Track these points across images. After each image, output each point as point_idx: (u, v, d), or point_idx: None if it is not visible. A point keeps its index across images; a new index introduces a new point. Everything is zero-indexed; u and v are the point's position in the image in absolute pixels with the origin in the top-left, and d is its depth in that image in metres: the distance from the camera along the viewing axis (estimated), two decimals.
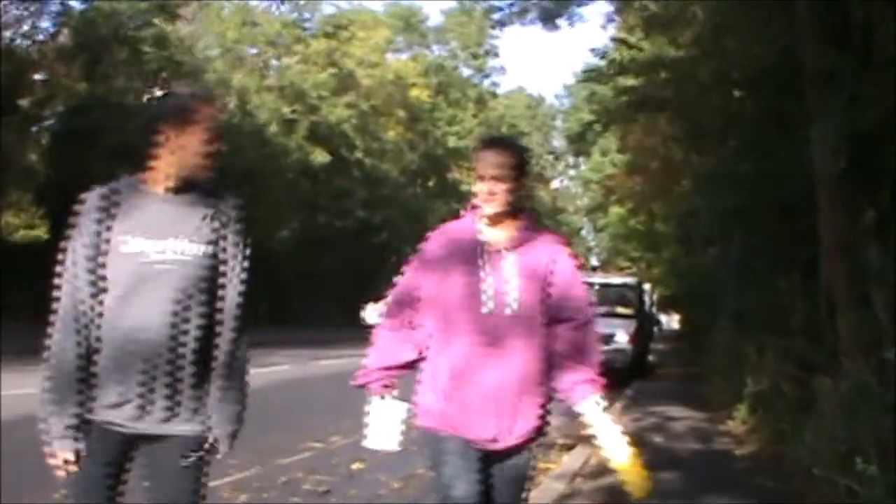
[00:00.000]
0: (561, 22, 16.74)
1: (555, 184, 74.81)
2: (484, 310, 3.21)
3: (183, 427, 2.71)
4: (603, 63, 14.93)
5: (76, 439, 2.65)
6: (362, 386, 3.36)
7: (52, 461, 2.68)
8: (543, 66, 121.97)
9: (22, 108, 21.62)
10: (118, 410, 2.68)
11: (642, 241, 31.22)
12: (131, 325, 2.61)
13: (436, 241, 3.38)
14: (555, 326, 3.25)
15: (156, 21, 24.74)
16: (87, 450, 2.69)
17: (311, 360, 19.38)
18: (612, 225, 37.48)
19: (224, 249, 2.75)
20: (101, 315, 2.67)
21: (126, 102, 22.83)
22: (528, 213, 3.43)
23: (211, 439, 2.75)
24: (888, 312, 6.49)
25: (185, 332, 2.66)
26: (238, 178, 28.40)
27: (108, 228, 2.69)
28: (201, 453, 2.78)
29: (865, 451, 5.44)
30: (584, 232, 72.87)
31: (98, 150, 21.66)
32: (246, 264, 2.80)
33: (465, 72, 57.09)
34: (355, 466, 7.11)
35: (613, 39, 15.64)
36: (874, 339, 6.77)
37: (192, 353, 2.68)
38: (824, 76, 7.00)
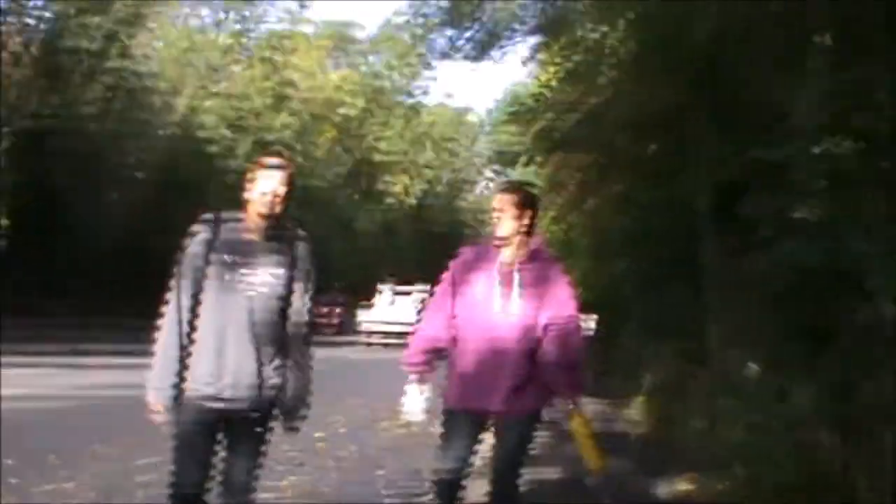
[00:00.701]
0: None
1: (478, 191, 76.99)
2: (495, 311, 4.21)
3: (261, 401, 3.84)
4: (527, 103, 17.10)
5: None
6: (410, 367, 4.43)
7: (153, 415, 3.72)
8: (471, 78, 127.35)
9: None
10: (211, 387, 3.72)
11: (561, 250, 33.16)
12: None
13: (465, 254, 4.47)
14: (548, 328, 4.22)
15: (121, 36, 26.02)
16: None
17: None
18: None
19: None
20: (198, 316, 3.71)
21: (90, 112, 24.14)
22: (537, 239, 4.44)
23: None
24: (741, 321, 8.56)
25: None
26: (183, 184, 29.82)
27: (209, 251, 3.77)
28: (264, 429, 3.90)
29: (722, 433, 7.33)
30: None
31: (60, 157, 22.87)
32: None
33: (397, 83, 58.70)
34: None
35: (541, 85, 17.75)
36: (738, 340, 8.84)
37: None
38: (694, 138, 9.14)
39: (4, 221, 23.28)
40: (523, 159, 18.95)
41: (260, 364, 3.76)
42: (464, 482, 4.38)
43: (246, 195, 3.80)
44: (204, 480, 3.79)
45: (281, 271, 3.81)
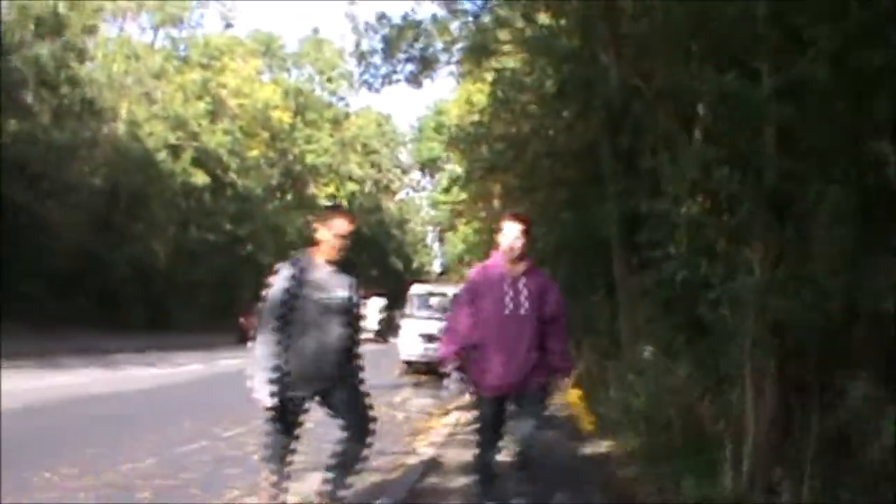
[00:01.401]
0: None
1: (400, 195, 78.76)
2: (506, 312, 5.48)
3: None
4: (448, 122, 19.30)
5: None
6: (446, 358, 5.72)
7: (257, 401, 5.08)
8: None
9: None
10: (310, 385, 5.25)
11: (485, 257, 35.48)
12: None
13: (478, 272, 5.86)
14: (543, 324, 5.48)
15: (71, 63, 27.49)
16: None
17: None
18: (459, 240, 41.28)
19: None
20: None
21: (50, 138, 25.62)
22: (530, 258, 5.69)
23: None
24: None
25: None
26: (127, 199, 31.18)
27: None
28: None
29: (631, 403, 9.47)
30: (428, 240, 77.27)
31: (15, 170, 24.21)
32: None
33: (321, 94, 60.22)
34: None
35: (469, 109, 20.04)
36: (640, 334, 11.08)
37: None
38: (608, 175, 11.44)
39: None
40: (461, 179, 21.14)
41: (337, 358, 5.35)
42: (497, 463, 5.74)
43: (318, 237, 5.34)
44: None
45: (347, 294, 5.35)
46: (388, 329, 42.70)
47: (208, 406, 13.05)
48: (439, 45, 21.39)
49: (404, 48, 20.83)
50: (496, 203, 24.80)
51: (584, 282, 14.77)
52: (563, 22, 12.86)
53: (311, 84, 59.89)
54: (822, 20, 5.47)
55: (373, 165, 65.24)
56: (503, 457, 5.85)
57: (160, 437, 9.37)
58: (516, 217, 5.85)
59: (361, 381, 5.51)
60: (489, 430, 5.71)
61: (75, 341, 25.21)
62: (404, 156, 71.34)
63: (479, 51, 19.12)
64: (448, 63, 21.86)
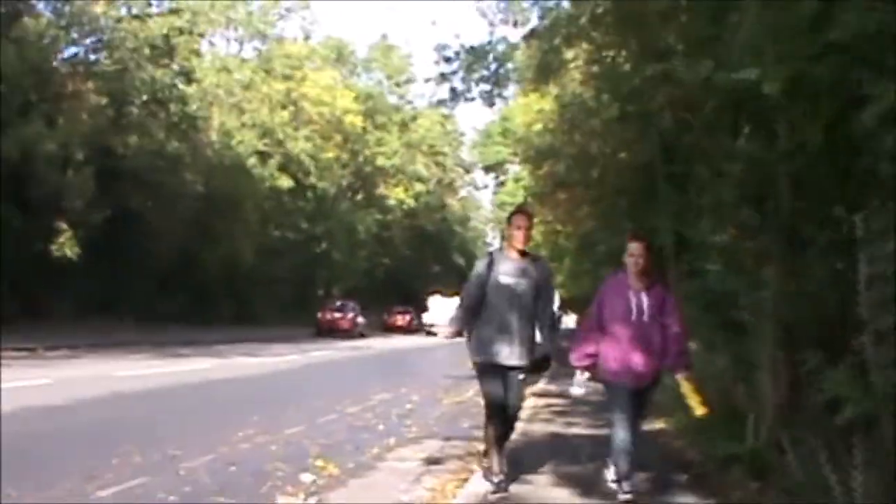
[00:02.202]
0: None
1: (462, 192, 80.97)
2: (633, 318, 6.22)
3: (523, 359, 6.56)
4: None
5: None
6: (577, 365, 6.54)
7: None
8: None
9: None
10: (499, 356, 6.46)
11: (549, 253, 37.35)
12: None
13: (608, 282, 6.56)
14: (668, 327, 6.21)
15: (180, 85, 30.53)
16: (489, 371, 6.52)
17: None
18: None
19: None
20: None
21: (163, 151, 28.84)
22: (656, 271, 6.57)
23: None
24: None
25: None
26: (220, 203, 34.00)
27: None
28: (523, 374, 6.59)
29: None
30: (488, 238, 79.35)
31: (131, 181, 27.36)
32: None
33: (391, 98, 62.71)
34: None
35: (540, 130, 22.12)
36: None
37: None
38: (661, 196, 13.40)
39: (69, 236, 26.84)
40: (531, 188, 23.24)
41: (526, 336, 6.54)
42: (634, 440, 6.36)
43: (508, 233, 6.78)
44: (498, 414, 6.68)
45: (528, 281, 6.54)
46: None
47: (322, 389, 15.48)
48: (510, 65, 23.74)
49: (480, 71, 23.21)
50: (560, 201, 26.73)
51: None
52: (623, 57, 14.74)
53: (381, 88, 62.25)
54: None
55: (437, 165, 67.33)
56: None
57: (304, 409, 11.65)
58: (638, 235, 6.81)
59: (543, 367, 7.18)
60: (621, 417, 6.36)
61: (177, 334, 28.09)
62: (466, 154, 73.38)
63: (545, 70, 21.16)
64: (517, 82, 24.15)
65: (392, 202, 58.43)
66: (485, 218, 77.97)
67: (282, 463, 7.66)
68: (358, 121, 51.51)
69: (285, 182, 39.90)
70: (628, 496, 6.19)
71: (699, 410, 6.47)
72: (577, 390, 6.91)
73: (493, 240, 74.17)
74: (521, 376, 6.63)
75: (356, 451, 8.79)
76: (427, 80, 26.64)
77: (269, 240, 41.05)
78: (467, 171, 76.83)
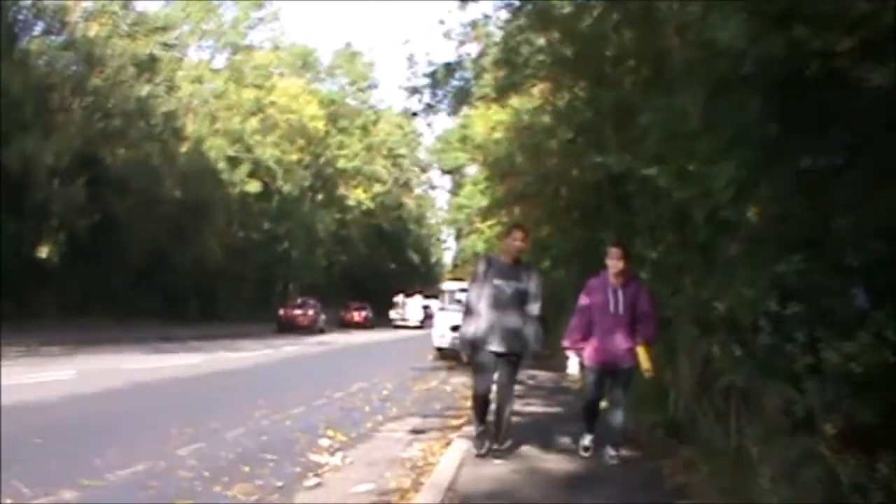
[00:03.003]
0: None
1: (418, 191, 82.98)
2: (611, 310, 7.67)
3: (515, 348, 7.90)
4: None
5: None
6: (568, 348, 8.17)
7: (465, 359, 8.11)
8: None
9: None
10: (494, 345, 7.71)
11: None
12: None
13: (592, 282, 7.93)
14: (640, 316, 7.63)
15: (160, 97, 32.34)
16: (484, 358, 7.81)
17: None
18: (480, 240, 45.06)
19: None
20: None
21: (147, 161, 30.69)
22: (632, 271, 8.03)
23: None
24: None
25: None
26: (193, 206, 35.69)
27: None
28: (516, 359, 7.91)
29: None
30: (443, 236, 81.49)
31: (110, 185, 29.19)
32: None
33: (353, 103, 64.58)
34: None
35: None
36: None
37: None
38: (608, 212, 15.56)
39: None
40: (497, 202, 25.47)
41: (514, 329, 7.81)
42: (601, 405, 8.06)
43: (505, 243, 8.13)
44: (490, 385, 7.97)
45: (520, 283, 7.82)
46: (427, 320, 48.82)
47: (304, 379, 17.44)
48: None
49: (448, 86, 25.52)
50: (516, 211, 28.93)
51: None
52: (579, 98, 16.79)
53: (344, 93, 64.07)
54: None
55: (395, 166, 69.22)
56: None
57: (297, 396, 13.55)
58: (618, 244, 8.23)
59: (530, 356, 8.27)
60: (594, 391, 8.08)
61: (153, 330, 29.77)
62: (422, 154, 75.33)
63: (507, 89, 23.24)
64: (480, 98, 26.34)
65: (351, 202, 60.19)
66: (440, 217, 79.92)
67: (300, 433, 9.63)
68: (321, 125, 53.09)
69: (254, 186, 41.62)
70: (607, 454, 7.90)
71: (646, 366, 7.74)
72: (571, 369, 8.78)
73: (448, 237, 76.18)
74: (514, 359, 7.97)
75: (353, 426, 10.73)
76: (407, 91, 28.94)
77: (234, 240, 42.66)
78: (423, 171, 78.79)
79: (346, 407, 12.83)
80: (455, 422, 11.02)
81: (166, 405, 12.21)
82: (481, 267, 8.07)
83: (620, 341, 7.69)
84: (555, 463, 7.90)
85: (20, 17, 28.02)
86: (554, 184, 19.51)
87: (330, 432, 9.71)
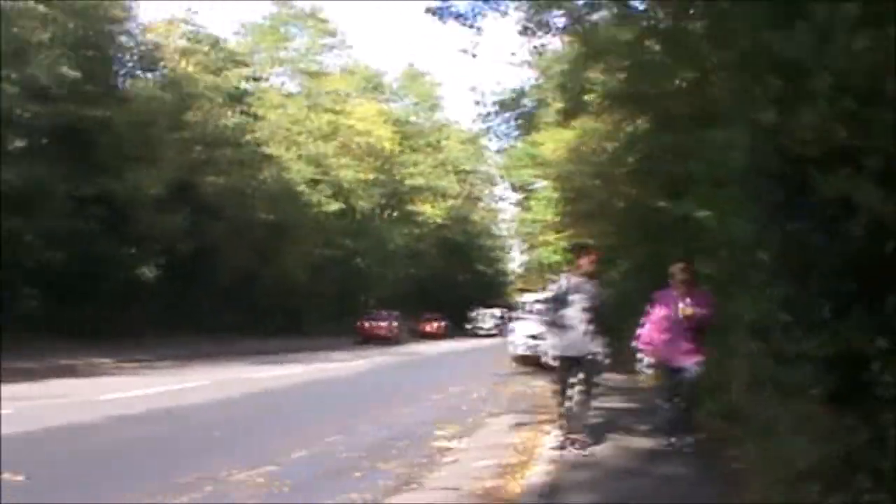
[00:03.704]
0: None
1: (485, 204, 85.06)
2: (674, 318, 8.77)
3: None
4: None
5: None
6: (639, 350, 9.38)
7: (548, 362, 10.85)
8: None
9: None
10: (571, 351, 9.08)
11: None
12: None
13: (658, 294, 9.14)
14: (700, 322, 8.73)
15: (248, 126, 35.22)
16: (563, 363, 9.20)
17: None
18: (550, 251, 47.07)
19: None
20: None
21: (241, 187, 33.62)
22: (697, 284, 9.23)
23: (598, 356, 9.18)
24: None
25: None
26: (277, 228, 38.28)
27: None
28: (594, 363, 9.15)
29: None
30: (511, 248, 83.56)
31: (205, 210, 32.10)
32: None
33: (421, 121, 67.18)
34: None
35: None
36: None
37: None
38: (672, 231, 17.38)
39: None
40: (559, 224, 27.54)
41: (587, 336, 8.94)
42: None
43: (577, 263, 9.33)
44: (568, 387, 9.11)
45: (591, 299, 8.94)
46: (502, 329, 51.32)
47: (402, 385, 19.57)
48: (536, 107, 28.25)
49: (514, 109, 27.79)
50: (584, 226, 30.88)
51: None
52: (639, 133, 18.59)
53: (412, 112, 66.61)
54: None
55: (462, 180, 71.40)
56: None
57: (401, 398, 15.65)
58: (681, 260, 9.44)
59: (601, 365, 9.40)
60: (666, 390, 9.38)
61: (245, 345, 32.27)
62: (489, 168, 77.34)
63: (572, 109, 25.14)
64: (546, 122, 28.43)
65: (422, 217, 62.44)
66: (508, 229, 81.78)
67: (417, 427, 11.70)
68: (392, 144, 55.46)
69: (334, 206, 44.13)
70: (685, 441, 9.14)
71: (686, 312, 8.84)
72: (642, 366, 9.89)
73: (515, 248, 78.09)
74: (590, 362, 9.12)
75: (460, 421, 12.73)
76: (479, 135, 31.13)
77: (314, 258, 45.07)
78: (490, 184, 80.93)
79: (447, 406, 14.87)
80: (545, 416, 12.94)
81: (295, 406, 14.49)
82: (559, 284, 9.29)
83: (682, 345, 8.84)
84: (635, 443, 9.78)
85: (120, 56, 30.80)
86: (621, 205, 21.42)
87: (443, 426, 11.74)
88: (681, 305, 8.78)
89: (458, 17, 15.64)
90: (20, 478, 7.38)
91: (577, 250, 10.23)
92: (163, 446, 10.01)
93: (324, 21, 51.77)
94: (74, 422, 11.36)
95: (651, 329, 9.26)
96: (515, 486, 7.53)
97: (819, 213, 5.25)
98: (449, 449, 10.02)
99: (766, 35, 5.37)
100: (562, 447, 9.00)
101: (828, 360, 5.27)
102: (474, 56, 18.63)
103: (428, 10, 15.77)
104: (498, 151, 29.89)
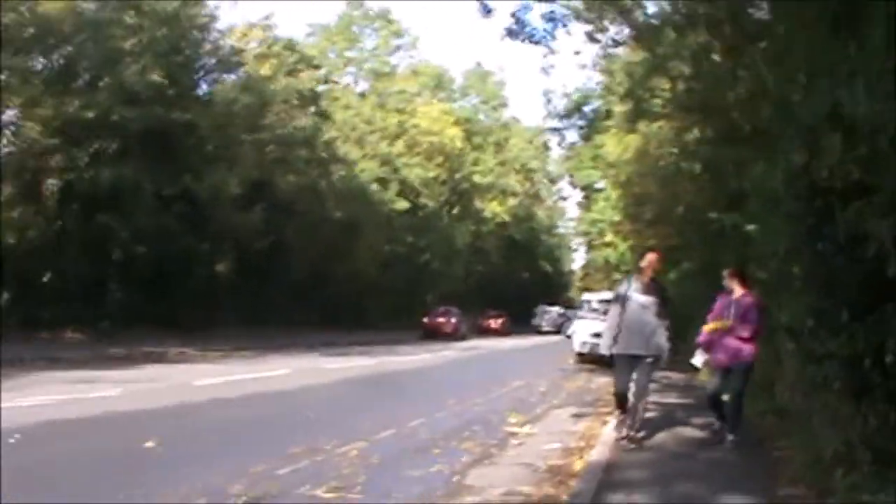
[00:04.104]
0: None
1: (548, 202, 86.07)
2: (728, 315, 9.59)
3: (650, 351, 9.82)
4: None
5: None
6: (699, 345, 10.21)
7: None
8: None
9: None
10: (632, 349, 9.69)
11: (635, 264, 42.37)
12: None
13: (720, 296, 9.92)
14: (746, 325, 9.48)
15: (323, 128, 36.87)
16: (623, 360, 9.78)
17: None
18: (614, 252, 47.91)
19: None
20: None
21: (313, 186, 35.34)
22: (749, 287, 9.80)
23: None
24: None
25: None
26: (347, 226, 39.79)
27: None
28: (653, 361, 9.82)
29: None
30: (574, 246, 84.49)
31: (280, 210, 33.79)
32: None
33: (486, 120, 68.38)
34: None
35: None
36: None
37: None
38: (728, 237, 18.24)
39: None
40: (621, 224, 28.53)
41: (648, 335, 9.59)
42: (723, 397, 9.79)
43: (641, 265, 10.01)
44: (628, 383, 9.77)
45: (653, 299, 9.70)
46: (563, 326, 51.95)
47: (469, 378, 20.80)
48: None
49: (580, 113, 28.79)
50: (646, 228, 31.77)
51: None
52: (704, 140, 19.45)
53: (477, 111, 67.83)
54: None
55: (526, 178, 72.44)
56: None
57: (472, 390, 16.77)
58: (732, 271, 10.11)
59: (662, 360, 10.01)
60: (718, 382, 9.93)
61: (317, 337, 33.73)
62: (552, 167, 78.32)
63: (635, 114, 26.01)
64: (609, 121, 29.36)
65: (487, 215, 63.58)
66: (570, 228, 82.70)
67: (489, 415, 12.84)
68: (458, 143, 56.79)
69: (402, 205, 45.53)
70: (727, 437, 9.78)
71: (709, 327, 9.85)
72: (697, 361, 10.41)
73: (579, 247, 79.05)
74: (649, 360, 9.75)
75: (528, 411, 13.82)
76: (542, 131, 31.95)
77: (382, 254, 46.52)
78: (553, 182, 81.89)
79: (513, 397, 15.98)
80: (605, 409, 13.98)
81: (373, 394, 15.76)
82: (623, 286, 9.91)
83: (734, 344, 9.55)
84: (689, 432, 10.82)
85: (203, 61, 32.40)
86: (682, 209, 22.32)
87: (512, 415, 12.85)
88: (725, 315, 9.65)
89: (532, 38, 16.74)
90: (151, 444, 8.69)
91: (642, 253, 11.07)
92: (266, 424, 11.32)
93: (392, 22, 53.27)
94: (185, 401, 12.80)
95: (706, 330, 9.99)
96: (579, 464, 8.63)
97: (840, 237, 6.26)
98: (518, 434, 11.12)
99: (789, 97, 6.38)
100: (621, 438, 9.80)
101: (847, 359, 6.29)
102: (548, 75, 19.70)
103: (507, 33, 16.94)
104: (562, 150, 30.79)
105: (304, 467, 8.13)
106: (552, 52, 19.68)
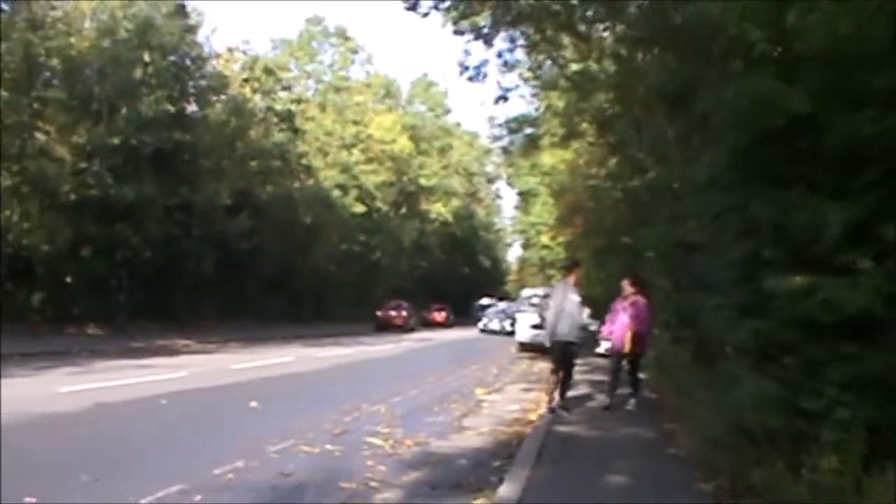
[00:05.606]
0: None
1: (486, 201, 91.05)
2: (623, 317, 13.75)
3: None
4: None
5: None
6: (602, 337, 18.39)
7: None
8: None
9: None
10: (567, 337, 13.22)
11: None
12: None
13: (617, 301, 14.09)
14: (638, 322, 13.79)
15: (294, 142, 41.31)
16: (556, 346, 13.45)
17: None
18: (544, 249, 52.87)
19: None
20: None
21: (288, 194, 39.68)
22: (638, 293, 13.86)
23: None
24: None
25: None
26: (313, 228, 43.97)
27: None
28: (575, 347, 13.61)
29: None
30: (510, 243, 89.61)
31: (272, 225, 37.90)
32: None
33: (431, 127, 72.89)
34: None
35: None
36: None
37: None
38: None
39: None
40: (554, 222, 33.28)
41: (574, 326, 13.16)
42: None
43: (569, 275, 13.67)
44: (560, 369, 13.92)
45: (580, 299, 13.51)
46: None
47: (430, 364, 25.08)
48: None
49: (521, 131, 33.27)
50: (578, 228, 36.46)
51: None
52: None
53: (423, 119, 72.32)
54: None
55: (467, 180, 77.17)
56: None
57: (441, 372, 21.20)
58: (629, 278, 13.91)
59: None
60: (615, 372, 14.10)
61: (287, 330, 37.91)
62: (491, 168, 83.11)
63: (567, 136, 30.55)
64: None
65: (432, 215, 68.04)
66: (506, 223, 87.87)
67: (462, 388, 17.34)
68: (407, 148, 61.00)
69: (359, 208, 49.85)
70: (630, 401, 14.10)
71: (628, 347, 13.51)
72: (601, 349, 15.69)
73: (514, 242, 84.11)
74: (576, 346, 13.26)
75: (489, 385, 18.32)
76: (487, 152, 36.43)
77: (339, 253, 50.65)
78: (491, 182, 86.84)
79: (473, 377, 20.50)
80: (545, 386, 18.47)
81: (367, 375, 20.25)
82: (560, 288, 13.25)
83: (626, 336, 13.50)
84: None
85: (197, 84, 36.19)
86: (610, 216, 26.95)
87: (479, 388, 17.37)
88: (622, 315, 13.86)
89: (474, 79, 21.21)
90: (255, 404, 12.98)
91: (569, 266, 14.52)
92: (309, 392, 15.87)
93: (349, 39, 57.56)
94: (240, 381, 16.91)
95: (609, 324, 14.23)
96: (533, 415, 13.22)
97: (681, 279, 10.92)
98: (486, 400, 15.68)
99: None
100: (552, 410, 13.08)
101: (696, 341, 10.97)
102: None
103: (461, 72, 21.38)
104: (502, 152, 35.80)
105: (358, 417, 12.53)
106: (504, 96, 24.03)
